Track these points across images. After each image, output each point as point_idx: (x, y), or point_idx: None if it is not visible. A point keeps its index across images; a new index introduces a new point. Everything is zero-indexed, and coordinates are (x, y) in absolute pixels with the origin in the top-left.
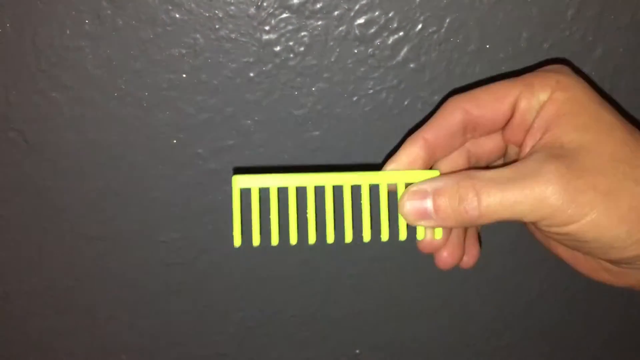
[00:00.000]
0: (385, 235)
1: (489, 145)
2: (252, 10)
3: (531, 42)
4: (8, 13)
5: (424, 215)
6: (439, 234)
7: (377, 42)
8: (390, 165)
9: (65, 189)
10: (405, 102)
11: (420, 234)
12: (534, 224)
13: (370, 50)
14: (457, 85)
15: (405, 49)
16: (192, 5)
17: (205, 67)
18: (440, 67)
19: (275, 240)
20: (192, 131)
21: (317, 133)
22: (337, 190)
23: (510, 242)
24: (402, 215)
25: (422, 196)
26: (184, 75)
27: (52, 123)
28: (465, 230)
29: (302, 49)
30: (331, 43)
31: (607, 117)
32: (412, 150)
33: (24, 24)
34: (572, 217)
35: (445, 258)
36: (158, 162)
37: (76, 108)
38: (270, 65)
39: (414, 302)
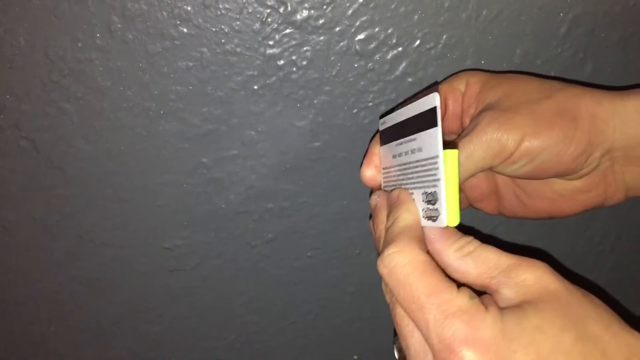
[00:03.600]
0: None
1: None
2: (257, 25)
3: (524, 59)
4: (22, 26)
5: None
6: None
7: (377, 57)
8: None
9: (73, 196)
10: None
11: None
12: (498, 169)
13: (370, 64)
14: None
15: (403, 64)
16: (200, 20)
17: (211, 80)
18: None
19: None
20: (197, 141)
21: (317, 144)
22: None
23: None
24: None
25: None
26: (191, 87)
27: (62, 132)
28: None
29: (304, 62)
30: (332, 57)
31: (514, 75)
32: (372, 160)
33: (37, 36)
34: (515, 139)
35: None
36: (164, 171)
37: (86, 118)
38: (273, 78)
39: None
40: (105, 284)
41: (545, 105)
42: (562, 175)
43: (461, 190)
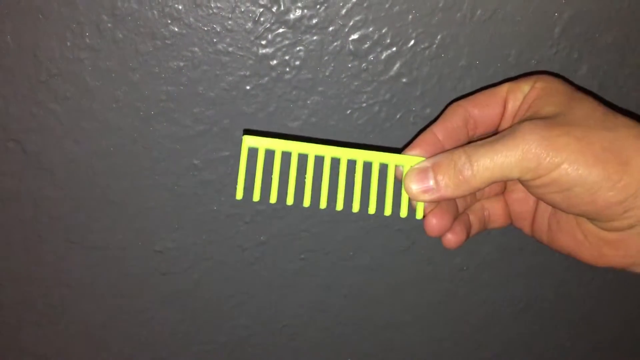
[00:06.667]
0: (388, 210)
1: None
2: (250, 25)
3: (519, 59)
4: (9, 25)
5: (426, 188)
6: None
7: (371, 57)
8: (408, 152)
9: (62, 198)
10: (398, 116)
11: (419, 213)
12: (524, 183)
13: (363, 65)
14: (448, 99)
15: (397, 64)
16: (191, 19)
17: (203, 80)
18: (432, 82)
19: (274, 198)
20: (188, 142)
21: None
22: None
23: (495, 258)
24: (407, 192)
25: (424, 171)
26: (182, 88)
27: (50, 133)
28: (456, 209)
29: (297, 63)
30: (326, 57)
31: (581, 95)
32: (425, 141)
33: (25, 35)
34: (553, 162)
35: (433, 225)
36: (154, 173)
37: (75, 119)
38: (266, 79)
39: (404, 311)
40: (94, 287)
41: (598, 136)
42: (591, 218)
43: (507, 204)
